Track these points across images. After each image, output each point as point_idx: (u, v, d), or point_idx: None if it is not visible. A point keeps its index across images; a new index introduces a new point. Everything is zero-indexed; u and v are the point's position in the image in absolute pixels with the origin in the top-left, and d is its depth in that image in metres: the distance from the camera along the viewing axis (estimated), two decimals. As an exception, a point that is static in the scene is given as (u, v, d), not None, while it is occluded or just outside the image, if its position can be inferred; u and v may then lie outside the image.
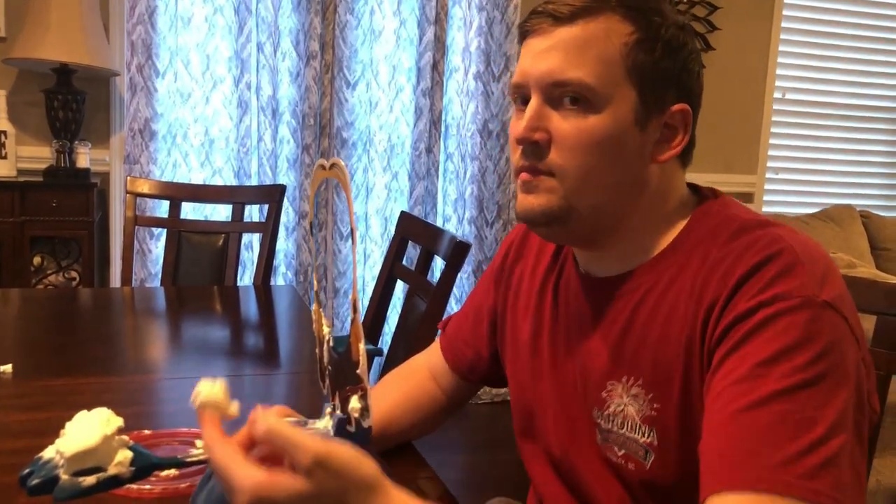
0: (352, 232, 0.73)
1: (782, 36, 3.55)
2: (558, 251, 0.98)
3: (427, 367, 1.13)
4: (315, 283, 0.82)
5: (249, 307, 1.96)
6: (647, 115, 0.82)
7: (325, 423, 0.79)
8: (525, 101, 0.84)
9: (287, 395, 1.36)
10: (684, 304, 0.79)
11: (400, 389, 1.10)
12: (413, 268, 1.68)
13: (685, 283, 0.80)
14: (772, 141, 3.62)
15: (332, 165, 0.75)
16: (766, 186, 3.62)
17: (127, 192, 2.20)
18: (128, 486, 0.90)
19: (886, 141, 3.88)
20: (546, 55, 0.82)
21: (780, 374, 0.68)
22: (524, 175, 0.84)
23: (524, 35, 0.86)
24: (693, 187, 0.90)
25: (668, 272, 0.83)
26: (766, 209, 3.60)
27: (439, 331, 1.15)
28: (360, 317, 0.76)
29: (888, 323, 1.14)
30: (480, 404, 3.26)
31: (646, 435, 0.81)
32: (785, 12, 3.54)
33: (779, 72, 3.57)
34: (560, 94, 0.81)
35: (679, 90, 0.84)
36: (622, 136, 0.81)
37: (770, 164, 3.64)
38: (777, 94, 3.60)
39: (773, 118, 3.60)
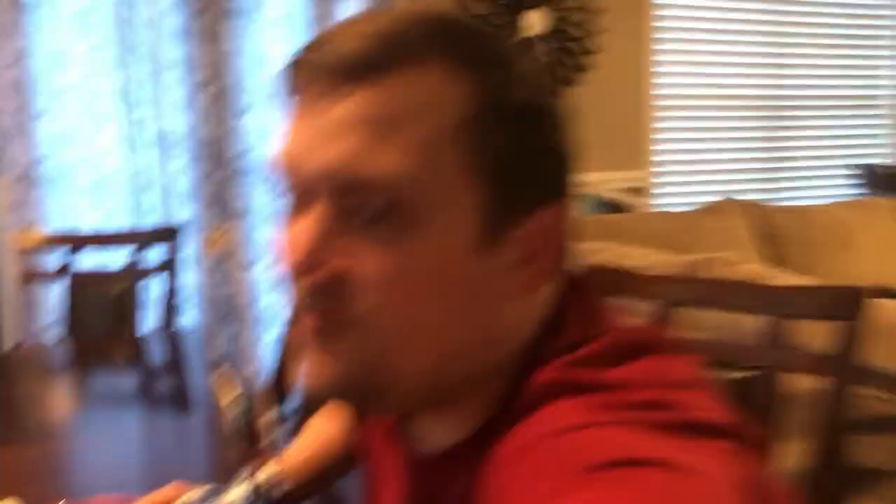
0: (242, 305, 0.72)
1: (658, 35, 3.69)
2: None
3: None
4: (213, 358, 0.82)
5: (155, 355, 1.93)
6: (498, 225, 0.54)
7: (239, 492, 0.81)
8: (296, 198, 0.55)
9: (205, 444, 1.34)
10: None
11: (330, 425, 1.07)
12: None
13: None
14: (658, 136, 3.77)
15: (223, 234, 0.76)
16: (656, 180, 3.77)
17: (13, 246, 2.12)
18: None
19: (764, 127, 4.10)
20: (337, 135, 0.51)
21: None
22: (317, 320, 0.54)
23: (290, 88, 0.55)
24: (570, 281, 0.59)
25: (459, 479, 0.55)
26: (657, 201, 3.74)
27: None
28: (254, 357, 0.77)
29: (770, 322, 1.22)
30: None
31: None
32: (660, 12, 3.68)
33: (660, 69, 3.71)
34: (356, 203, 0.52)
35: (550, 179, 0.56)
36: (459, 266, 0.53)
37: (658, 157, 3.78)
38: (655, 91, 3.74)
39: (658, 114, 3.75)
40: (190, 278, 2.87)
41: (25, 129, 2.62)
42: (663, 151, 3.81)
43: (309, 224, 0.52)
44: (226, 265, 2.91)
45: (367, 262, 0.51)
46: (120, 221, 2.79)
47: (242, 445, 0.82)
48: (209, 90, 2.83)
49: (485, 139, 0.52)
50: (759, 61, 4.02)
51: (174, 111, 2.82)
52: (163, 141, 2.80)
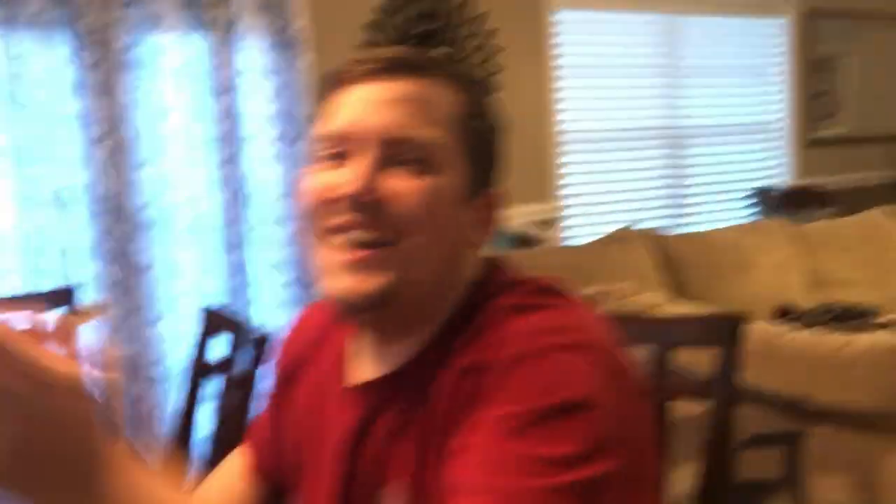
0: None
1: (560, 72, 3.80)
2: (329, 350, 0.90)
3: (239, 467, 1.06)
4: None
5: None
6: (473, 192, 0.79)
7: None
8: (339, 154, 0.75)
9: None
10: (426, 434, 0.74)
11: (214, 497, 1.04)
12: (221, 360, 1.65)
13: (431, 404, 0.74)
14: (565, 170, 3.86)
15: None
16: (562, 212, 3.85)
17: None
18: None
19: (665, 157, 4.24)
20: (387, 107, 0.74)
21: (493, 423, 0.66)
22: (357, 253, 0.73)
23: (343, 81, 0.77)
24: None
25: (411, 386, 0.77)
26: (569, 233, 3.82)
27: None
28: (159, 418, 0.75)
29: (655, 351, 1.26)
30: None
31: None
32: (558, 51, 3.79)
33: (561, 105, 3.81)
34: (398, 153, 0.74)
35: (496, 172, 0.82)
36: (456, 207, 0.77)
37: (566, 190, 3.87)
38: (560, 126, 3.84)
39: (566, 147, 3.84)
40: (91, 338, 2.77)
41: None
42: (570, 184, 3.90)
43: (364, 164, 0.74)
44: (130, 321, 2.83)
45: (401, 186, 0.74)
46: (16, 283, 2.69)
47: None
48: (106, 144, 2.77)
49: (468, 132, 0.78)
50: (658, 93, 4.18)
51: (71, 167, 2.74)
52: (58, 197, 2.71)
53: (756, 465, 1.65)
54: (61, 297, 2.11)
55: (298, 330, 1.00)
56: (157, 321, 2.89)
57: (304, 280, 3.15)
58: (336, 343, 0.90)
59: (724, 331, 1.23)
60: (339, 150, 0.76)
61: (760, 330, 1.53)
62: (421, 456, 0.74)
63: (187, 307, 2.98)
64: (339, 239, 0.74)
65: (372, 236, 0.73)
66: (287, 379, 0.96)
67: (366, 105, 0.75)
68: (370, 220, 0.73)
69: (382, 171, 0.74)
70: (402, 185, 0.73)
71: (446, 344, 0.76)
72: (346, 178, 0.73)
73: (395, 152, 0.74)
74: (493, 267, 0.83)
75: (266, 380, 3.00)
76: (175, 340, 2.96)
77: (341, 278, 0.74)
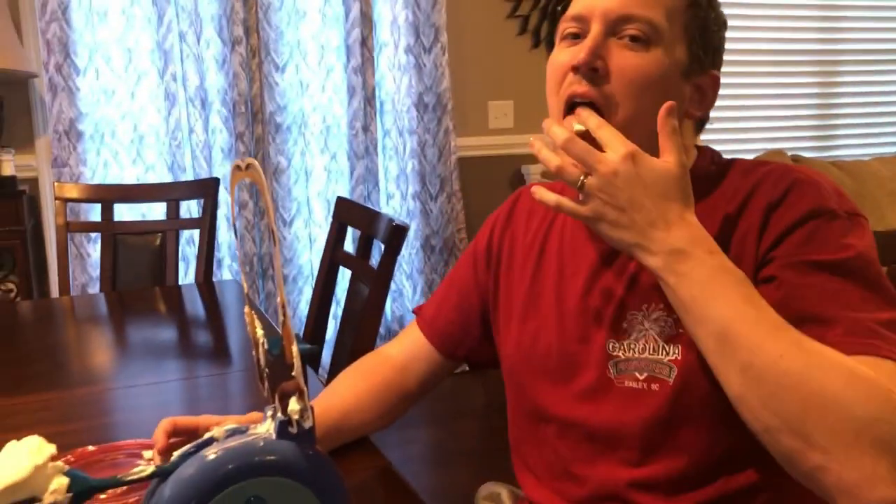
0: (272, 235, 0.71)
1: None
2: (553, 217, 1.00)
3: (393, 357, 1.12)
4: (245, 285, 0.81)
5: (195, 306, 1.93)
6: (690, 70, 0.88)
7: (268, 426, 0.79)
8: (576, 36, 0.88)
9: (242, 393, 1.35)
10: (716, 228, 0.84)
11: (361, 382, 1.09)
12: (355, 252, 1.67)
13: (706, 223, 0.83)
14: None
15: (248, 166, 0.74)
16: (702, 136, 3.67)
17: (55, 198, 2.14)
18: None
19: (815, 84, 3.96)
20: None
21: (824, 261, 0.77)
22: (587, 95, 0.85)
23: None
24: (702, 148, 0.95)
25: None
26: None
27: (415, 315, 1.15)
28: (295, 313, 0.75)
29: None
30: (439, 377, 3.27)
31: (670, 353, 0.84)
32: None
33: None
34: (624, 29, 0.85)
35: (715, 59, 0.91)
36: (672, 81, 0.86)
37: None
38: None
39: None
40: (225, 235, 2.89)
41: (67, 85, 2.64)
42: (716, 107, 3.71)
43: (592, 37, 0.85)
44: (263, 221, 2.92)
45: (622, 62, 0.85)
46: (158, 176, 2.80)
47: (272, 380, 0.80)
48: (245, 46, 2.81)
49: (696, 21, 0.88)
50: (813, 14, 3.88)
51: (210, 68, 2.81)
52: (199, 98, 2.79)
53: None
54: (207, 186, 2.18)
55: (493, 220, 1.09)
56: (290, 222, 2.96)
57: (430, 191, 3.15)
58: (547, 213, 1.02)
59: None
60: (576, 30, 0.88)
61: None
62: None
63: (318, 211, 3.05)
64: (567, 100, 0.86)
65: (593, 99, 0.85)
66: (488, 260, 1.07)
67: None
68: (590, 85, 0.85)
69: (608, 44, 0.85)
70: (622, 58, 0.84)
71: (701, 182, 0.86)
72: (577, 50, 0.85)
73: (618, 29, 0.85)
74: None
75: (407, 262, 3.04)
76: (305, 241, 3.04)
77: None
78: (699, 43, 0.88)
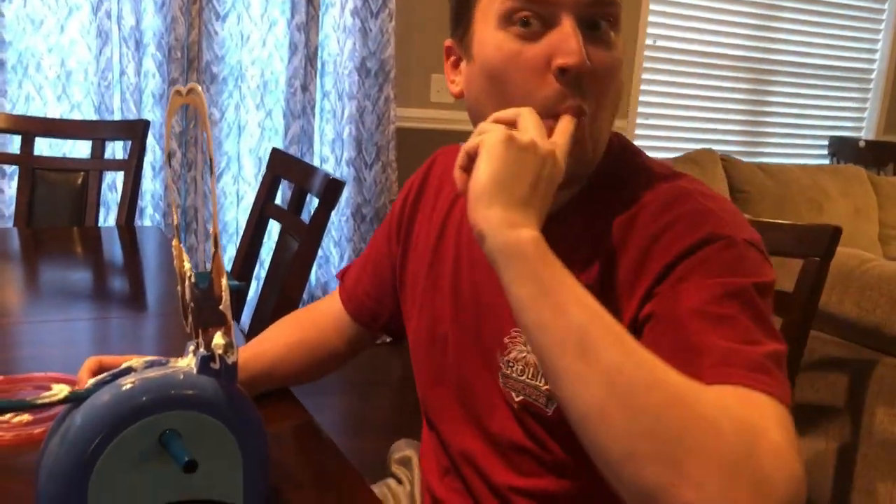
0: (210, 162, 0.69)
1: (654, -17, 3.64)
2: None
3: (324, 314, 1.11)
4: (175, 217, 0.79)
5: (113, 249, 1.87)
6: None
7: (189, 361, 0.77)
8: (530, 20, 0.73)
9: (155, 337, 1.31)
10: (596, 264, 0.76)
11: (293, 333, 1.08)
12: (286, 207, 1.64)
13: (595, 242, 0.77)
14: (642, 87, 3.74)
15: (189, 91, 0.72)
16: (637, 132, 3.75)
17: (-28, 126, 2.03)
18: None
19: (747, 89, 4.08)
20: None
21: (711, 288, 0.67)
22: (580, 101, 0.73)
23: None
24: None
25: (573, 226, 0.79)
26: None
27: (338, 280, 1.14)
28: (230, 255, 0.74)
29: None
30: (359, 346, 3.26)
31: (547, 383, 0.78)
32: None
33: (651, 18, 3.67)
34: (596, 16, 0.73)
35: None
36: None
37: (641, 109, 3.76)
38: (649, 41, 3.70)
39: (644, 65, 3.71)
40: (150, 183, 2.80)
41: (-10, 10, 2.50)
42: (648, 103, 3.78)
43: (577, 32, 0.71)
44: (190, 174, 2.84)
45: (601, 55, 0.73)
46: (84, 116, 2.69)
47: (197, 315, 0.78)
48: (187, -11, 2.71)
49: None
50: (749, 22, 3.99)
51: (148, 9, 2.70)
52: (133, 38, 2.69)
53: (819, 389, 1.61)
54: (136, 128, 2.10)
55: (408, 186, 1.02)
56: (219, 177, 2.89)
57: (365, 159, 3.12)
58: (439, 189, 0.95)
59: (822, 240, 1.17)
60: (534, 16, 0.73)
61: (842, 253, 1.46)
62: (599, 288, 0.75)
63: (248, 167, 2.98)
64: (566, 110, 0.73)
65: (584, 106, 0.73)
66: (399, 228, 1.01)
67: None
68: (580, 95, 0.73)
69: (584, 40, 0.72)
70: (599, 57, 0.73)
71: (603, 189, 0.80)
72: (559, 46, 0.72)
73: (592, 18, 0.73)
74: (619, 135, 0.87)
75: (336, 228, 3.01)
76: (232, 198, 2.97)
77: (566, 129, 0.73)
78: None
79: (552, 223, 0.75)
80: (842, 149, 4.13)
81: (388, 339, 3.31)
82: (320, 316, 1.11)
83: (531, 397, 0.81)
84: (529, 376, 0.81)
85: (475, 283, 0.88)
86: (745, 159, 3.18)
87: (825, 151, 4.29)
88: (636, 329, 0.72)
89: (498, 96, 0.75)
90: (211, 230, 0.72)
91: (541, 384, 0.80)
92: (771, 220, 1.24)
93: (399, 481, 1.12)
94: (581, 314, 0.61)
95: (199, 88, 0.69)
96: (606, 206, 0.78)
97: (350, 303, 1.09)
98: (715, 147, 3.22)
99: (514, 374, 0.82)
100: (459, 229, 0.91)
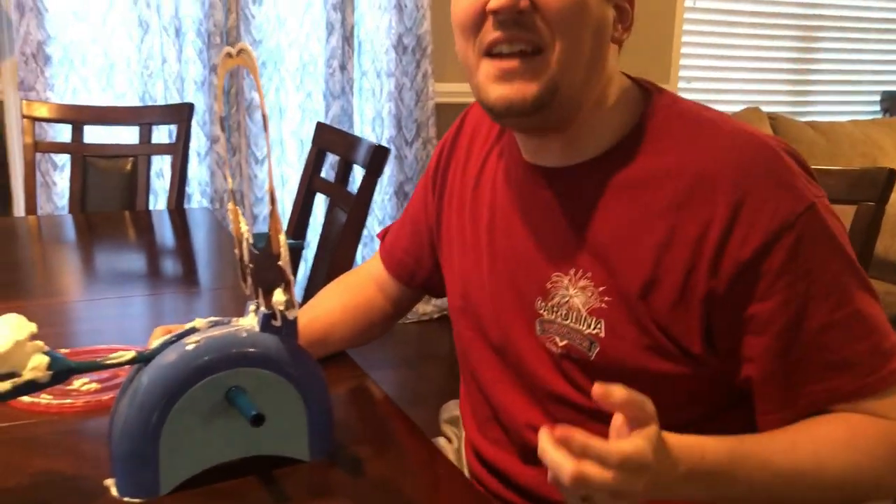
0: (263, 118, 0.70)
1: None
2: (493, 142, 0.95)
3: (370, 275, 1.12)
4: (229, 181, 0.80)
5: (164, 231, 1.90)
6: None
7: (251, 320, 0.78)
8: None
9: (209, 312, 1.32)
10: (653, 212, 0.77)
11: (343, 296, 1.10)
12: (334, 179, 1.64)
13: (648, 190, 0.78)
14: (684, 50, 3.67)
15: (240, 52, 0.72)
16: (680, 95, 3.68)
17: (23, 117, 2.08)
18: (48, 401, 0.87)
19: (791, 47, 3.98)
20: None
21: (827, 288, 0.73)
22: (507, 62, 0.76)
23: None
24: (627, 77, 0.86)
25: (625, 172, 0.80)
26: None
27: (379, 240, 1.14)
28: (280, 211, 0.74)
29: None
30: (408, 323, 3.28)
31: (591, 327, 0.80)
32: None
33: (689, -20, 3.59)
34: None
35: None
36: (598, 8, 0.77)
37: (682, 73, 3.69)
38: (688, 3, 3.63)
39: (685, 27, 3.64)
40: (195, 170, 2.84)
41: (35, 5, 2.55)
42: (690, 66, 3.71)
43: None
44: (235, 159, 2.87)
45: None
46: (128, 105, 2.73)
47: (256, 276, 0.79)
48: (224, -26, 2.73)
49: None
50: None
51: (187, -4, 2.73)
52: (173, 27, 2.72)
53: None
54: (181, 111, 2.13)
55: (441, 146, 1.04)
56: (262, 160, 2.92)
57: (405, 136, 3.12)
58: (488, 136, 0.96)
59: (876, 183, 1.13)
60: None
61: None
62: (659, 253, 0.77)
63: (291, 150, 3.01)
64: (492, 52, 0.77)
65: (521, 46, 0.75)
66: (433, 186, 1.02)
67: None
68: (518, 32, 0.75)
69: None
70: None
71: (637, 137, 0.81)
72: None
73: None
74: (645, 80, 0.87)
75: (379, 202, 3.02)
76: (277, 180, 3.00)
77: (495, 88, 0.78)
78: None
79: (594, 166, 0.82)
80: (894, 103, 4.00)
81: (435, 315, 3.34)
82: (365, 277, 1.13)
83: (575, 341, 0.82)
84: (573, 321, 0.82)
85: (511, 233, 0.89)
86: (793, 118, 3.10)
87: (877, 108, 4.16)
88: (711, 302, 0.75)
89: (462, 42, 0.81)
90: (267, 187, 0.73)
91: (583, 328, 0.81)
92: (820, 167, 1.21)
93: (448, 440, 1.13)
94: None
95: (249, 48, 0.69)
96: (656, 151, 0.80)
97: (389, 261, 1.10)
98: (762, 107, 3.15)
99: (558, 319, 0.83)
100: (494, 180, 0.92)
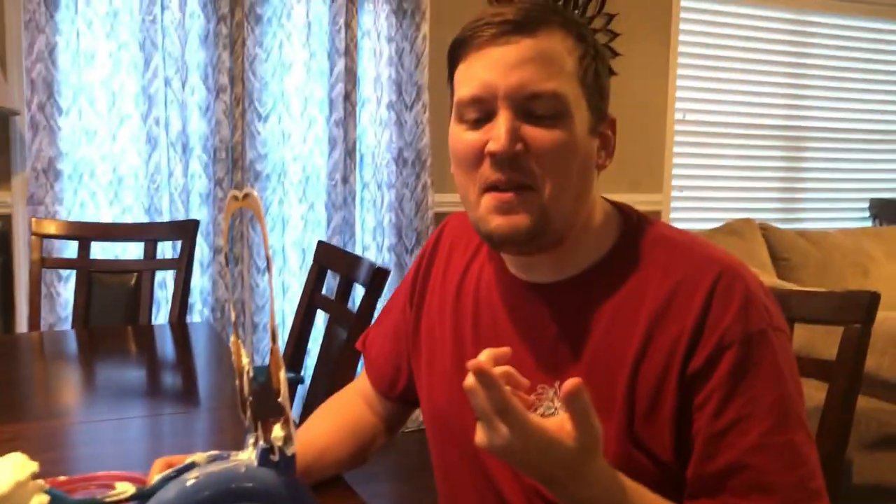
0: (267, 260, 0.73)
1: (680, 60, 3.72)
2: (473, 253, 1.00)
3: (357, 392, 1.13)
4: (233, 314, 0.82)
5: (165, 346, 1.92)
6: (595, 125, 0.87)
7: (249, 454, 0.79)
8: (479, 113, 0.84)
9: (208, 432, 1.33)
10: (632, 326, 0.83)
11: (334, 419, 1.10)
12: (333, 297, 1.68)
13: (628, 305, 0.84)
14: (675, 161, 3.77)
15: (246, 196, 0.76)
16: (672, 204, 3.77)
17: (32, 234, 2.13)
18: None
19: (781, 157, 4.10)
20: (518, 67, 0.82)
21: (766, 410, 0.78)
22: (504, 195, 0.83)
23: (471, 46, 0.85)
24: (606, 200, 0.94)
25: (606, 288, 0.87)
26: (672, 226, 3.73)
27: (359, 350, 1.16)
28: (280, 346, 0.77)
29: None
30: (408, 432, 3.24)
31: None
32: (681, 38, 3.71)
33: (678, 94, 3.73)
34: (532, 106, 0.82)
35: (608, 101, 0.90)
36: (584, 144, 0.85)
37: (674, 182, 3.78)
38: (678, 116, 3.76)
39: (676, 139, 3.76)
40: (198, 280, 2.87)
41: (49, 124, 2.65)
42: (682, 176, 3.81)
43: (505, 122, 0.82)
44: (238, 269, 2.91)
45: (539, 141, 0.82)
46: (135, 218, 2.80)
47: (256, 409, 0.81)
48: (229, 95, 2.85)
49: (585, 72, 0.86)
50: (780, 91, 4.03)
51: (193, 114, 2.84)
52: (180, 142, 2.81)
53: (881, 468, 1.56)
54: (186, 228, 2.18)
55: (420, 256, 1.08)
56: (264, 270, 2.96)
57: (405, 244, 3.18)
58: (468, 246, 1.02)
59: (860, 306, 1.15)
60: (479, 112, 0.84)
61: (891, 318, 1.44)
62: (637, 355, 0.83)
63: (293, 260, 3.05)
64: (490, 189, 0.84)
65: (515, 183, 0.83)
66: (412, 295, 1.06)
67: (494, 69, 0.83)
68: (513, 172, 0.83)
69: (521, 126, 0.82)
70: (538, 139, 0.82)
71: (617, 255, 0.88)
72: (491, 136, 0.83)
73: (528, 108, 0.82)
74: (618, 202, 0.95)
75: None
76: (278, 290, 3.03)
77: (494, 218, 0.84)
78: (596, 93, 0.87)
79: (576, 283, 0.88)
80: (884, 210, 4.08)
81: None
82: (353, 394, 1.14)
83: None
84: None
85: (496, 344, 0.89)
86: (784, 226, 3.17)
87: (866, 214, 4.24)
88: (679, 412, 0.81)
89: (461, 176, 0.88)
90: (268, 325, 0.75)
91: None
92: (807, 289, 1.24)
93: None
94: None
95: (255, 193, 0.73)
96: (633, 274, 0.86)
97: (371, 371, 1.12)
98: (753, 216, 3.22)
99: None
100: (477, 291, 0.97)
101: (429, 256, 1.06)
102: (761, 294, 0.83)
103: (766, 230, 3.00)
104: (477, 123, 0.85)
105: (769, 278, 1.84)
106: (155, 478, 0.76)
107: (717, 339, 0.79)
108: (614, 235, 0.90)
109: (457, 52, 0.88)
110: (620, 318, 0.85)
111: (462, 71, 0.87)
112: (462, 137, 0.86)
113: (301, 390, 1.88)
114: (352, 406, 1.12)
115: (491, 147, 0.82)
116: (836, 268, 2.91)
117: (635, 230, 0.90)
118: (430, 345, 1.01)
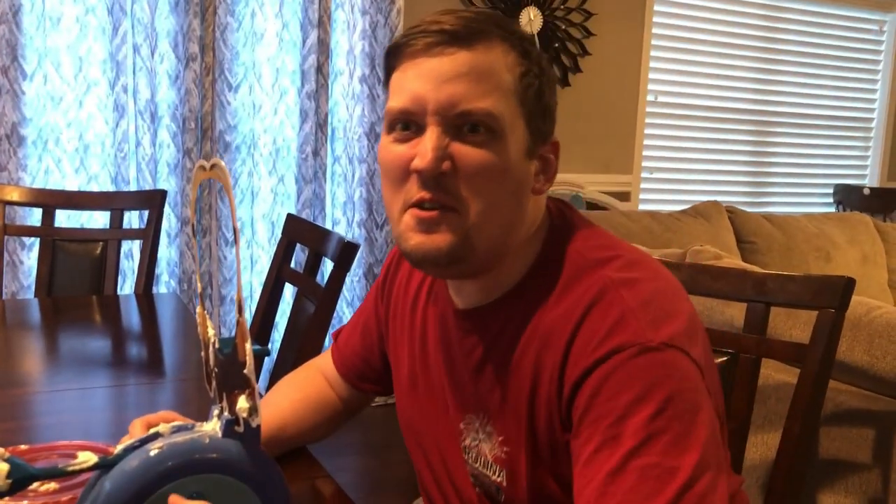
0: (234, 232, 0.73)
1: (653, 42, 3.73)
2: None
3: (319, 370, 1.14)
4: (199, 286, 0.82)
5: (131, 316, 1.90)
6: (534, 147, 0.82)
7: (213, 425, 0.79)
8: (408, 126, 0.80)
9: (174, 404, 1.33)
10: (529, 354, 0.80)
11: (297, 393, 1.11)
12: (301, 270, 1.67)
13: (528, 330, 0.81)
14: (646, 142, 3.80)
15: (213, 166, 0.75)
16: (642, 185, 3.80)
17: (-6, 200, 2.09)
18: (5, 499, 0.86)
19: (749, 141, 4.14)
20: (450, 82, 0.77)
21: (631, 431, 0.69)
22: (425, 213, 0.78)
23: (405, 54, 0.80)
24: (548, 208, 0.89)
25: (515, 313, 0.83)
26: (641, 207, 3.77)
27: (332, 340, 1.16)
28: (248, 319, 0.76)
29: (756, 310, 1.22)
30: (374, 406, 3.26)
31: (496, 474, 0.83)
32: (655, 19, 3.72)
33: (651, 76, 3.75)
34: (462, 123, 0.77)
35: (552, 123, 0.84)
36: (518, 167, 0.80)
37: (645, 163, 3.81)
38: (650, 97, 3.78)
39: (647, 120, 3.78)
40: (165, 250, 2.85)
41: (12, 88, 2.59)
42: (652, 157, 3.84)
43: (432, 139, 0.77)
44: (205, 240, 2.89)
45: (467, 160, 0.77)
46: (101, 187, 2.76)
47: (221, 380, 0.81)
48: (199, 64, 2.80)
49: (526, 91, 0.80)
50: (751, 76, 4.07)
51: (163, 82, 2.79)
52: (149, 111, 2.77)
53: (835, 439, 1.60)
54: (154, 197, 2.15)
55: (391, 255, 1.07)
56: (232, 242, 2.94)
57: (376, 220, 3.17)
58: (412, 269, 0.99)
59: (836, 291, 1.17)
60: (408, 124, 0.80)
61: (854, 302, 1.47)
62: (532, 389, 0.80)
63: (262, 232, 3.03)
64: (414, 206, 0.80)
65: (439, 203, 0.78)
66: (381, 295, 1.05)
67: (425, 82, 0.78)
68: (438, 192, 0.78)
69: (450, 144, 0.77)
70: (467, 158, 0.77)
71: (541, 277, 0.83)
72: (417, 151, 0.78)
73: (458, 124, 0.77)
74: (564, 208, 0.90)
75: (348, 288, 3.03)
76: (246, 262, 3.01)
77: (414, 236, 0.79)
78: (537, 114, 0.82)
79: (495, 308, 0.84)
80: (847, 196, 4.16)
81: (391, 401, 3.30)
82: (315, 372, 1.14)
83: (485, 485, 0.85)
84: (482, 465, 0.85)
85: (435, 367, 0.92)
86: (750, 210, 3.21)
87: (830, 199, 4.32)
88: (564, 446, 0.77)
89: (387, 188, 0.83)
90: (235, 297, 0.75)
91: (490, 474, 0.84)
92: (784, 273, 1.26)
93: None
94: None
95: (223, 163, 0.73)
96: (540, 296, 0.82)
97: (340, 363, 1.12)
98: (720, 198, 3.26)
99: (469, 461, 0.86)
100: (426, 314, 0.95)
101: (397, 258, 1.04)
102: (639, 311, 0.75)
103: (732, 213, 3.04)
104: (406, 137, 0.80)
105: (734, 261, 1.87)
106: (118, 448, 0.76)
107: (583, 363, 0.74)
108: (534, 256, 0.84)
109: (391, 59, 0.82)
110: (530, 341, 0.81)
111: (395, 80, 0.81)
112: (390, 149, 0.81)
113: (268, 363, 1.88)
114: (314, 382, 1.13)
115: (416, 164, 0.77)
116: (799, 252, 2.96)
117: (558, 243, 0.84)
118: (395, 350, 1.01)
